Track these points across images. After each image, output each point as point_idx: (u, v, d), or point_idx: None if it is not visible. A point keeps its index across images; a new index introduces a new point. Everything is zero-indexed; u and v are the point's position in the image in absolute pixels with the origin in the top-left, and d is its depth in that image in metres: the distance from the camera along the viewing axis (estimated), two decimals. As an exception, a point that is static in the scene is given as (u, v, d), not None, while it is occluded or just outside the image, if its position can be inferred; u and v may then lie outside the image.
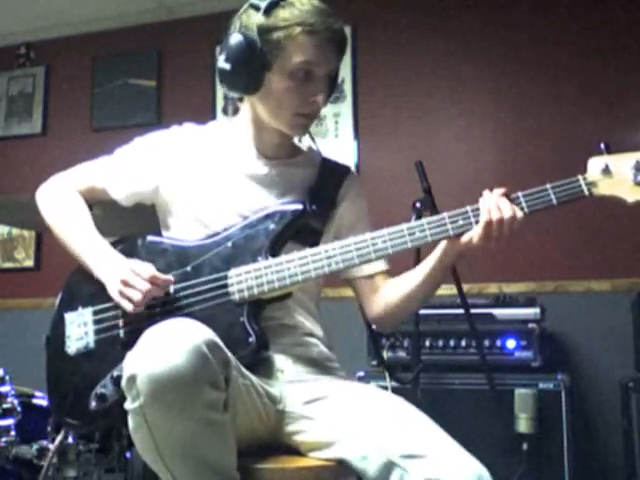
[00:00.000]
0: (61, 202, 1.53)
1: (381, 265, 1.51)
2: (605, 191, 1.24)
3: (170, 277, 1.37)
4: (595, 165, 1.25)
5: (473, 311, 2.30)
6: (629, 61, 2.99)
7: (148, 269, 1.34)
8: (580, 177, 1.25)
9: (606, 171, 1.23)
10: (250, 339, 1.30)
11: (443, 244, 1.35)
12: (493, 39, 3.20)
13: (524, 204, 1.27)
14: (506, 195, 1.29)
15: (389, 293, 1.48)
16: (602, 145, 1.25)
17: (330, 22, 1.39)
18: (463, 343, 2.52)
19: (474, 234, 1.28)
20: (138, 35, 3.75)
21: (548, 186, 1.26)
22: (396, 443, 1.18)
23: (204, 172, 1.49)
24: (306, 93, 1.41)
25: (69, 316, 1.44)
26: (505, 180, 3.01)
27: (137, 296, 1.32)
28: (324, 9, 1.40)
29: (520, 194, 1.28)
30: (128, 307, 1.33)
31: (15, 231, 3.75)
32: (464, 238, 1.30)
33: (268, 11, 1.38)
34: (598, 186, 1.24)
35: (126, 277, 1.33)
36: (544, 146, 3.06)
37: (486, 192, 1.31)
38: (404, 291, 1.45)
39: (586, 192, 1.25)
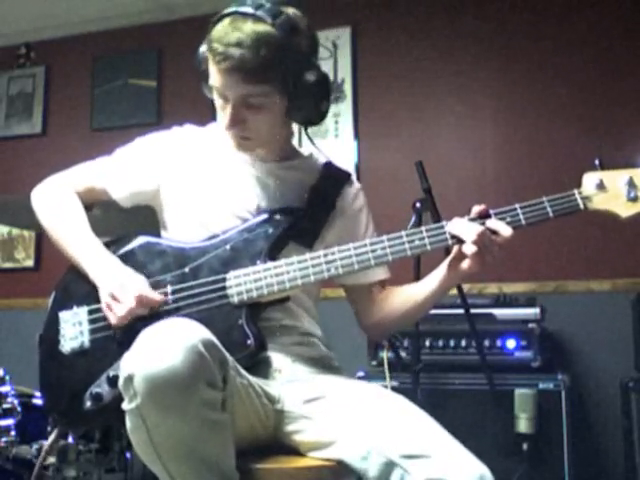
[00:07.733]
0: (57, 202, 1.51)
1: (380, 274, 1.51)
2: (599, 206, 1.28)
3: (160, 297, 1.34)
4: (590, 180, 1.28)
5: (473, 311, 2.31)
6: (628, 79, 2.99)
7: (137, 287, 1.33)
8: (576, 191, 1.28)
9: (600, 186, 1.27)
10: (248, 341, 1.29)
11: (445, 269, 1.36)
12: (493, 40, 3.19)
13: (521, 216, 1.28)
14: (485, 212, 1.29)
15: (389, 305, 1.49)
16: (596, 161, 1.29)
17: (232, 52, 1.28)
18: (463, 343, 2.52)
19: (468, 265, 1.30)
20: (138, 35, 3.75)
21: (545, 199, 1.28)
22: (396, 443, 1.17)
23: (204, 173, 1.49)
24: (226, 114, 1.38)
25: (64, 315, 1.42)
26: (504, 180, 3.07)
27: (121, 313, 1.32)
28: (238, 35, 1.29)
29: (517, 206, 1.29)
30: (112, 321, 1.33)
31: (15, 231, 3.75)
32: (463, 267, 1.32)
33: (214, 25, 1.36)
34: (593, 201, 1.28)
35: (114, 291, 1.33)
36: (543, 147, 3.05)
37: (459, 222, 1.30)
38: (405, 306, 1.45)
39: (582, 206, 1.28)
